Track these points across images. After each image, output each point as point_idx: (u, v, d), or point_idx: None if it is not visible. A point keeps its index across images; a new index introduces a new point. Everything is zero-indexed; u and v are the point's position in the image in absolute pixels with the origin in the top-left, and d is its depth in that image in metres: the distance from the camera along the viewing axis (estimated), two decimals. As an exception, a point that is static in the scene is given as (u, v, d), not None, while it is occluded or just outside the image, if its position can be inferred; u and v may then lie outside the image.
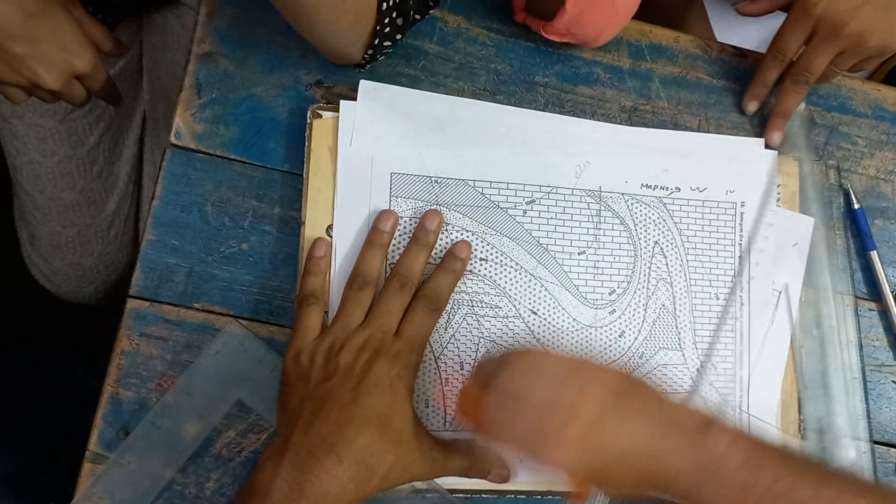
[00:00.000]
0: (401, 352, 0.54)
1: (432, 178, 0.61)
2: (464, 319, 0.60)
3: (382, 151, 0.60)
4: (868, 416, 0.65)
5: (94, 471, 0.57)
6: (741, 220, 0.64)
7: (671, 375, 0.62)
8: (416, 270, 0.58)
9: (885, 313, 0.67)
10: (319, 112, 0.60)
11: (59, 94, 0.68)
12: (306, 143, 0.60)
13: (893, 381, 0.66)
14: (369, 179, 0.60)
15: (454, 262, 0.59)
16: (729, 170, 0.64)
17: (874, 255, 0.67)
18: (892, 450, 0.66)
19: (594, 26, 0.60)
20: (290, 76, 0.62)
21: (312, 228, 0.59)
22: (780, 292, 0.64)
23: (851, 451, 0.64)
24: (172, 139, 0.60)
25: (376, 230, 0.59)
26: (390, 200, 0.60)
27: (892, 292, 0.67)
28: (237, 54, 0.62)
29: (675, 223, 0.63)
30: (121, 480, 0.56)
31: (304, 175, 0.60)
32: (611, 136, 0.64)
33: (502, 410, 0.48)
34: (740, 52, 0.68)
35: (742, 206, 0.64)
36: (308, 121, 0.60)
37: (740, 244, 0.64)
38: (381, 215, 0.59)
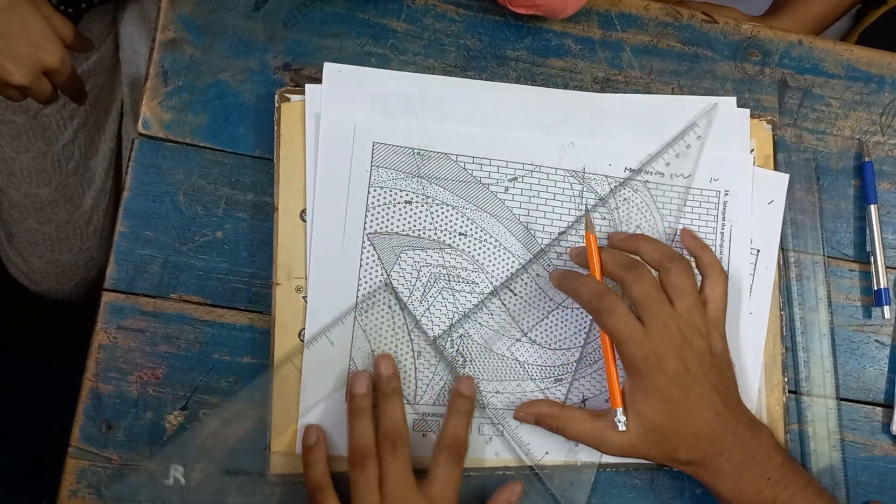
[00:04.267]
0: None
1: (415, 150, 0.60)
2: (439, 293, 0.60)
3: (366, 120, 0.60)
4: (836, 373, 0.65)
5: (77, 466, 0.56)
6: (724, 208, 0.64)
7: None
8: (399, 424, 0.55)
9: (867, 274, 0.67)
10: (287, 96, 0.60)
11: (26, 91, 0.67)
12: (275, 127, 0.59)
13: (876, 341, 0.66)
14: (350, 148, 0.59)
15: (462, 401, 0.57)
16: (714, 158, 0.64)
17: (873, 208, 0.67)
18: (878, 408, 0.66)
19: (559, -4, 0.60)
20: (257, 60, 0.62)
21: (286, 213, 0.59)
22: (759, 251, 0.64)
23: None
24: (140, 129, 0.60)
25: (354, 397, 0.55)
26: (371, 170, 0.59)
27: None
28: (202, 40, 0.61)
29: (658, 208, 0.63)
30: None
31: (275, 160, 0.59)
32: (582, 104, 0.63)
33: None
34: (711, 18, 0.68)
35: (726, 194, 0.64)
36: (276, 105, 0.60)
37: (722, 232, 0.64)
38: (353, 380, 0.56)
